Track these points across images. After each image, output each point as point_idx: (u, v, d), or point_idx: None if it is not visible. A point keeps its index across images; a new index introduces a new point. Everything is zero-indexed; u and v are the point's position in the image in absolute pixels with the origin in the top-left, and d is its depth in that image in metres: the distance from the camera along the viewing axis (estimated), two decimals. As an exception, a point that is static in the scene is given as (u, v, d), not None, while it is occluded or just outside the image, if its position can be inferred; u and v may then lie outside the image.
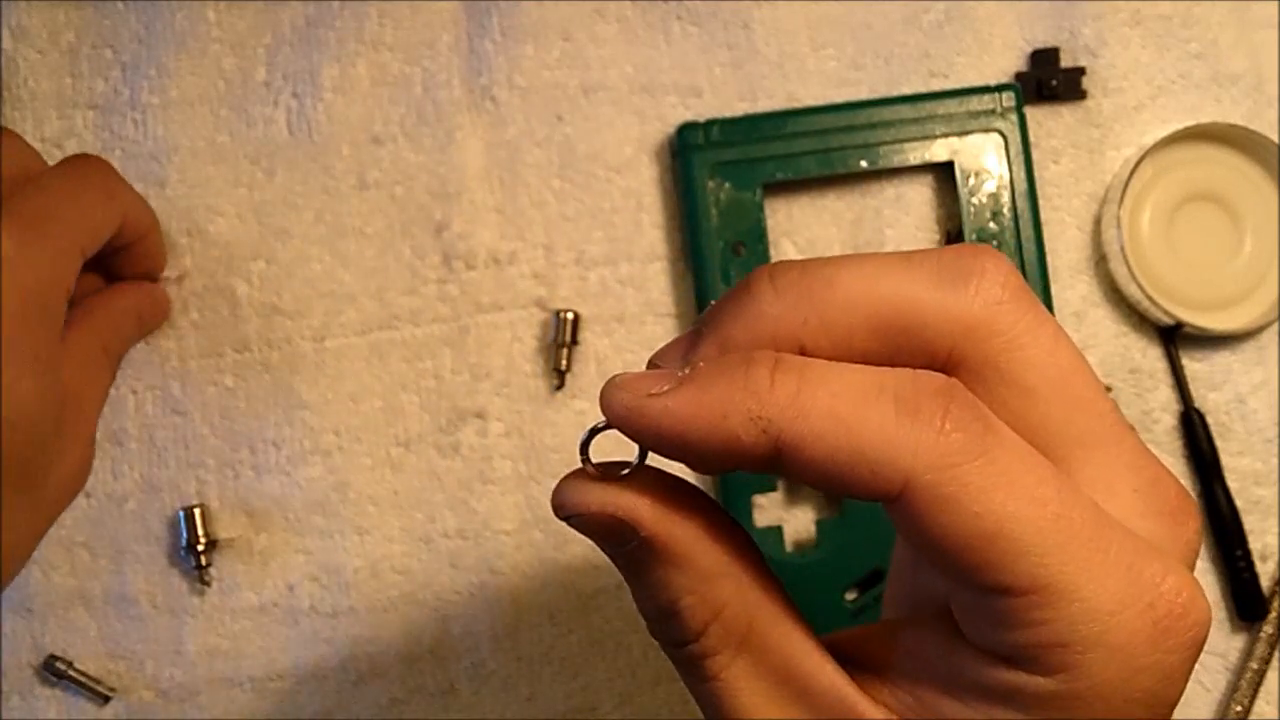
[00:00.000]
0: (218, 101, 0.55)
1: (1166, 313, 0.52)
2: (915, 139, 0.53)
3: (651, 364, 0.29)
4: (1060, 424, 0.27)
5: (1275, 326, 0.54)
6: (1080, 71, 0.55)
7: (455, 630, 0.53)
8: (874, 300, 0.27)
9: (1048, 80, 0.54)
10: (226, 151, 0.55)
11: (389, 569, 0.53)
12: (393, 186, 0.54)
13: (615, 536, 0.28)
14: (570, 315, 0.53)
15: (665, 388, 0.26)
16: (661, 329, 0.54)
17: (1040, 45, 0.55)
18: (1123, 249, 0.52)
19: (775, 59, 0.55)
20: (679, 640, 0.28)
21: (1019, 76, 0.55)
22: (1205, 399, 0.54)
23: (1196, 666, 0.55)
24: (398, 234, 0.54)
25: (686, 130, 0.53)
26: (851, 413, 0.25)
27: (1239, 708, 0.52)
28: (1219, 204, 0.54)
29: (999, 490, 0.24)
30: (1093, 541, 0.25)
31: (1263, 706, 0.53)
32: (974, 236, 0.52)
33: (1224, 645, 0.53)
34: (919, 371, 0.26)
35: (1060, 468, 0.26)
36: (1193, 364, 0.54)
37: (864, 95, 0.55)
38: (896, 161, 0.53)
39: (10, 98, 0.55)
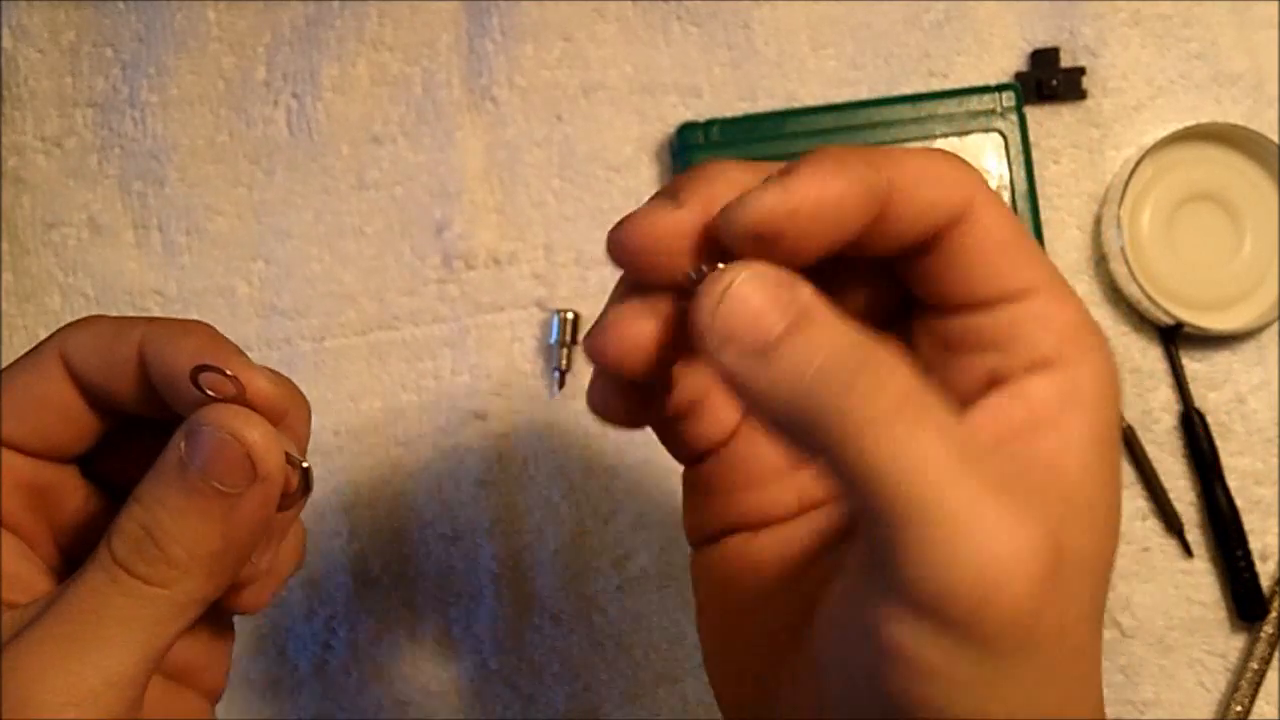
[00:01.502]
0: (217, 101, 0.55)
1: (1166, 313, 0.52)
2: (915, 139, 0.53)
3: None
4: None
5: (1275, 326, 0.54)
6: (1080, 71, 0.55)
7: (456, 631, 0.53)
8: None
9: (1048, 80, 0.54)
10: (226, 151, 0.55)
11: (389, 570, 0.53)
12: (392, 186, 0.54)
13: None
14: (570, 315, 0.53)
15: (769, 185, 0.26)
16: (662, 329, 0.54)
17: (1040, 45, 0.55)
18: (1123, 249, 0.52)
19: (775, 59, 0.55)
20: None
21: (1019, 76, 0.55)
22: (1205, 399, 0.54)
23: (1197, 666, 0.55)
24: (397, 234, 0.54)
25: (686, 130, 0.53)
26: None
27: (1239, 708, 0.52)
28: (1219, 204, 0.54)
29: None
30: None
31: (1263, 706, 0.53)
32: (974, 236, 0.52)
33: (1224, 645, 0.53)
34: None
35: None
36: (1193, 364, 0.54)
37: (864, 95, 0.55)
38: (897, 161, 0.53)
39: (10, 96, 0.55)
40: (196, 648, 0.34)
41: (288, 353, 0.54)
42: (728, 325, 0.25)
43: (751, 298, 0.25)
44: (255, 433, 0.28)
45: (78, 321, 0.31)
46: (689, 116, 0.54)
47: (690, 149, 0.52)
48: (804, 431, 0.24)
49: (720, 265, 0.26)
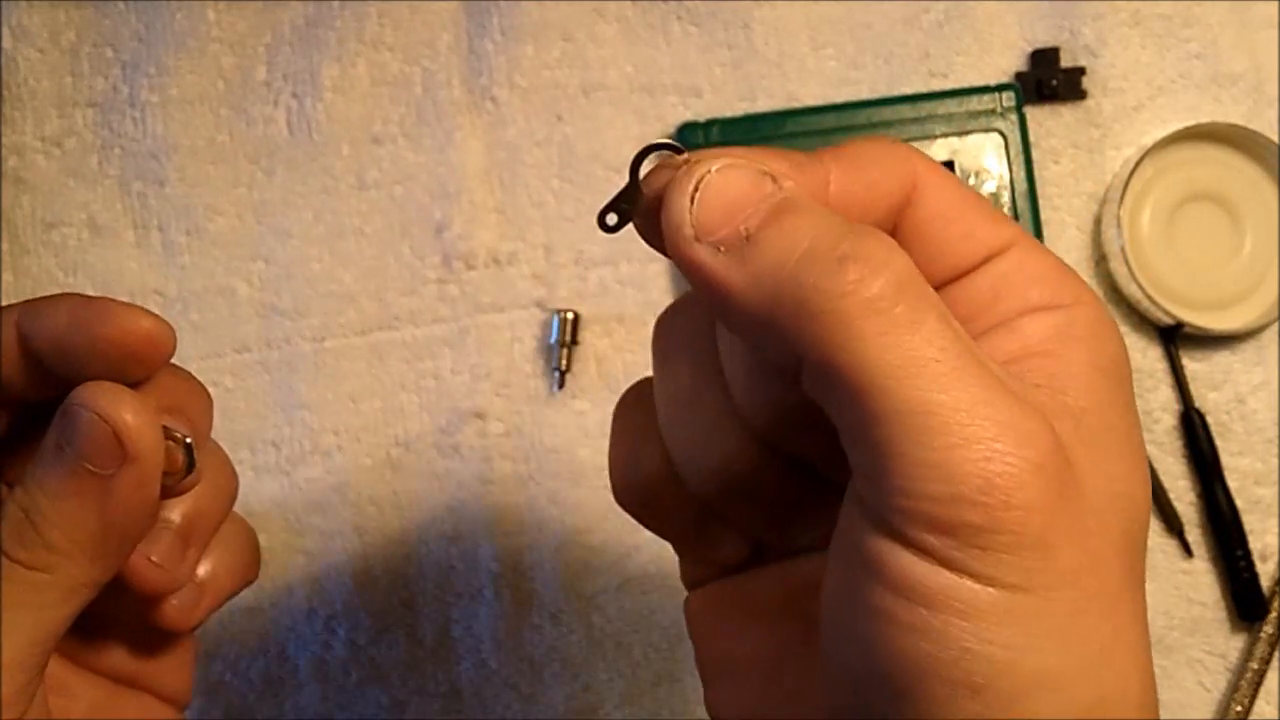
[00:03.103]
0: (217, 101, 0.55)
1: (1166, 313, 0.52)
2: (915, 139, 0.53)
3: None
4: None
5: (1275, 326, 0.54)
6: (1080, 71, 0.55)
7: (456, 631, 0.53)
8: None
9: (1048, 80, 0.54)
10: (226, 151, 0.55)
11: (389, 570, 0.53)
12: (392, 186, 0.54)
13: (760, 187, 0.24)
14: (570, 315, 0.53)
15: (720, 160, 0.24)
16: (662, 329, 0.54)
17: (1040, 45, 0.55)
18: (1123, 249, 0.52)
19: (775, 59, 0.55)
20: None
21: (1019, 76, 0.55)
22: (1205, 399, 0.54)
23: (1197, 666, 0.55)
24: (397, 234, 0.54)
25: (686, 130, 0.53)
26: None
27: (1239, 708, 0.52)
28: (1219, 204, 0.54)
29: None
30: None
31: (1263, 706, 0.53)
32: (974, 236, 0.52)
33: (1224, 645, 0.53)
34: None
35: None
36: (1193, 364, 0.54)
37: (864, 95, 0.55)
38: (897, 161, 0.53)
39: (10, 96, 0.55)
40: (144, 654, 0.33)
41: (288, 353, 0.54)
42: (704, 216, 0.23)
43: (729, 187, 0.23)
44: (125, 411, 0.28)
45: None
46: (689, 116, 0.54)
47: (690, 149, 0.52)
48: (787, 331, 0.22)
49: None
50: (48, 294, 0.30)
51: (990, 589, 0.21)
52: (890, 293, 0.21)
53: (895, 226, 0.26)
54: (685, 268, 0.24)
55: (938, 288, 0.25)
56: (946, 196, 0.26)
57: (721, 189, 0.23)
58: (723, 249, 0.23)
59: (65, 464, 0.28)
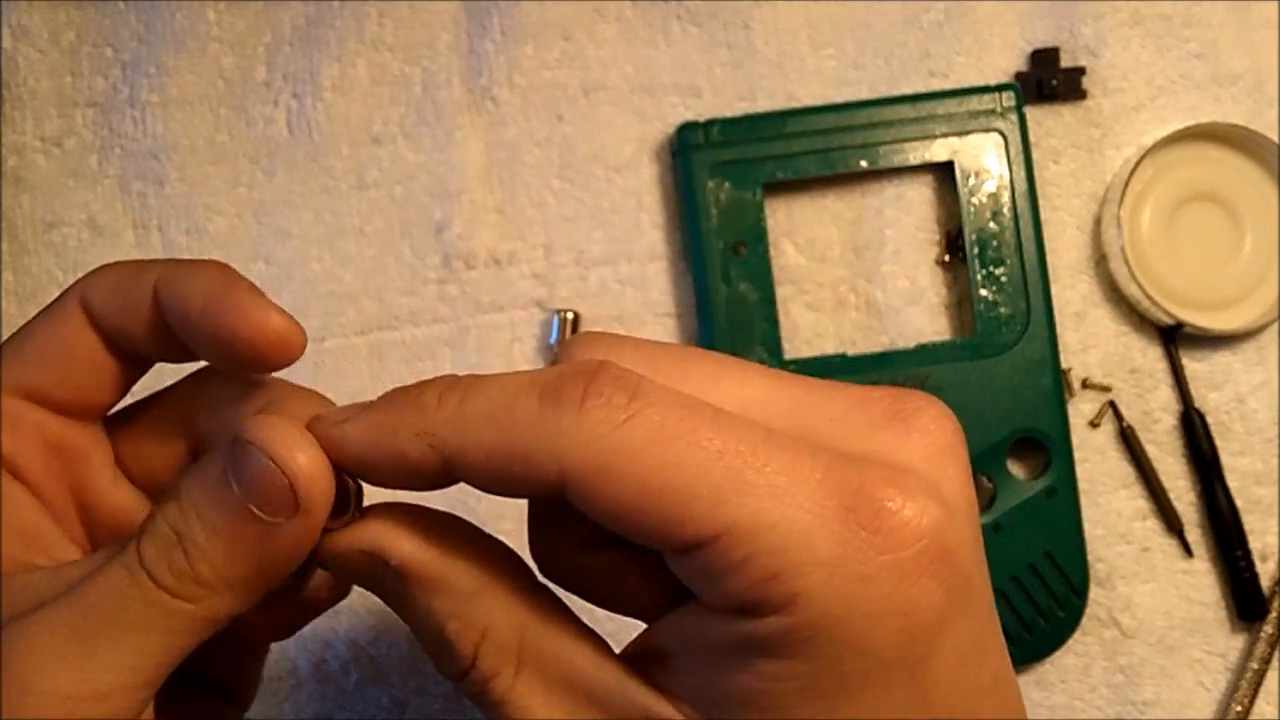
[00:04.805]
0: (217, 101, 0.55)
1: (1166, 313, 0.52)
2: (915, 139, 0.53)
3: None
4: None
5: (1275, 326, 0.54)
6: (1080, 71, 0.55)
7: (455, 630, 0.53)
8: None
9: (1048, 80, 0.54)
10: (226, 151, 0.55)
11: (389, 569, 0.53)
12: (392, 186, 0.54)
13: (370, 571, 0.28)
14: (570, 315, 0.53)
15: (348, 416, 0.27)
16: (661, 329, 0.54)
17: (1040, 45, 0.55)
18: (1123, 249, 0.52)
19: (775, 59, 0.55)
20: (459, 670, 0.28)
21: (1019, 76, 0.55)
22: (1205, 399, 0.54)
23: (1197, 666, 0.55)
24: (397, 234, 0.54)
25: (686, 130, 0.53)
26: (502, 413, 0.25)
27: (1239, 708, 0.52)
28: (1219, 204, 0.54)
29: (654, 447, 0.24)
30: (769, 466, 0.24)
31: (1263, 706, 0.53)
32: (974, 236, 0.52)
33: (1224, 645, 0.53)
34: (573, 361, 0.26)
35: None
36: (1193, 364, 0.54)
37: (864, 95, 0.55)
38: (896, 161, 0.53)
39: (10, 96, 0.55)
40: (225, 660, 0.32)
41: (288, 353, 0.54)
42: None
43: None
44: (301, 457, 0.26)
45: (97, 269, 0.30)
46: (689, 116, 0.54)
47: (690, 149, 0.52)
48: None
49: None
50: (120, 271, 0.30)
51: (781, 623, 0.25)
52: None
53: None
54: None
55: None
56: (608, 491, 0.26)
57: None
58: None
59: (230, 503, 0.26)
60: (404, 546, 0.27)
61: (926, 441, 0.26)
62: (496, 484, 0.26)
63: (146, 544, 0.27)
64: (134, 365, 0.31)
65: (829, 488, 0.24)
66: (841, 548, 0.24)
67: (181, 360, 0.30)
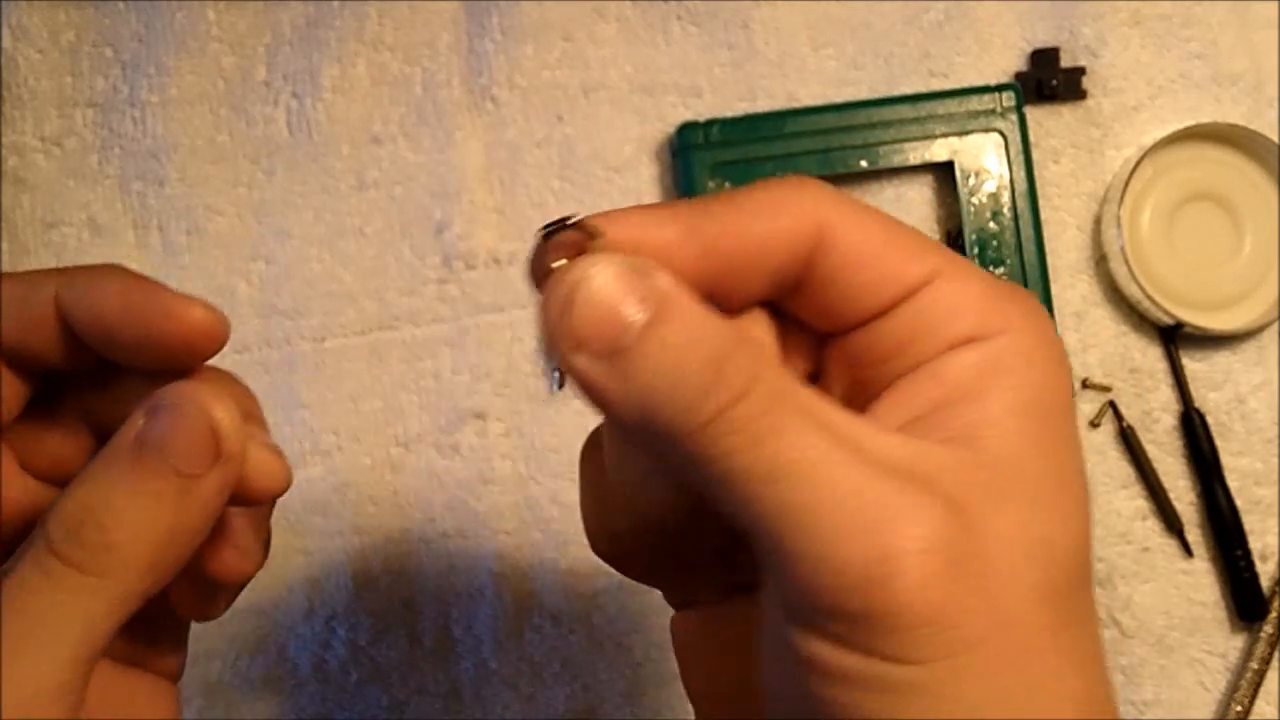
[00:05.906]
0: (217, 101, 0.55)
1: (1166, 313, 0.52)
2: (915, 139, 0.53)
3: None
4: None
5: (1275, 326, 0.54)
6: (1080, 71, 0.55)
7: (457, 631, 0.53)
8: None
9: (1048, 80, 0.54)
10: (226, 151, 0.55)
11: (389, 570, 0.53)
12: (392, 186, 0.54)
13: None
14: (570, 315, 0.53)
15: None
16: (662, 329, 0.54)
17: (1040, 45, 0.55)
18: (1123, 249, 0.52)
19: (775, 59, 0.55)
20: (730, 399, 0.23)
21: (1019, 76, 0.55)
22: (1205, 399, 0.54)
23: (1197, 666, 0.55)
24: (397, 234, 0.54)
25: (686, 130, 0.53)
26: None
27: (1239, 708, 0.52)
28: (1219, 204, 0.54)
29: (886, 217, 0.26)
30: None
31: (1263, 706, 0.53)
32: (974, 236, 0.52)
33: (1224, 645, 0.53)
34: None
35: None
36: (1193, 364, 0.54)
37: (864, 95, 0.55)
38: (896, 161, 0.53)
39: (10, 96, 0.55)
40: (147, 636, 0.31)
41: (288, 353, 0.54)
42: (578, 329, 0.23)
43: (601, 296, 0.23)
44: (220, 411, 0.27)
45: None
46: (689, 116, 0.54)
47: (690, 149, 0.52)
48: (662, 445, 0.23)
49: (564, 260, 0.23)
50: (11, 287, 0.29)
51: (897, 665, 0.22)
52: (755, 412, 0.22)
53: (804, 273, 0.25)
54: (568, 374, 0.23)
55: (860, 326, 0.26)
56: (859, 238, 0.25)
57: (592, 300, 0.23)
58: (600, 359, 0.23)
59: (146, 460, 0.26)
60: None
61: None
62: (748, 244, 0.25)
63: (53, 524, 0.26)
64: (32, 376, 0.30)
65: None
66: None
67: (86, 365, 0.29)
